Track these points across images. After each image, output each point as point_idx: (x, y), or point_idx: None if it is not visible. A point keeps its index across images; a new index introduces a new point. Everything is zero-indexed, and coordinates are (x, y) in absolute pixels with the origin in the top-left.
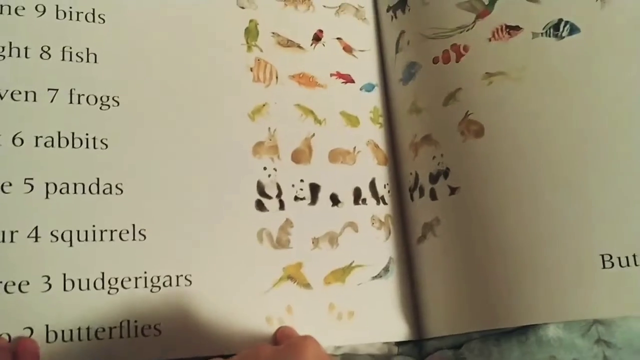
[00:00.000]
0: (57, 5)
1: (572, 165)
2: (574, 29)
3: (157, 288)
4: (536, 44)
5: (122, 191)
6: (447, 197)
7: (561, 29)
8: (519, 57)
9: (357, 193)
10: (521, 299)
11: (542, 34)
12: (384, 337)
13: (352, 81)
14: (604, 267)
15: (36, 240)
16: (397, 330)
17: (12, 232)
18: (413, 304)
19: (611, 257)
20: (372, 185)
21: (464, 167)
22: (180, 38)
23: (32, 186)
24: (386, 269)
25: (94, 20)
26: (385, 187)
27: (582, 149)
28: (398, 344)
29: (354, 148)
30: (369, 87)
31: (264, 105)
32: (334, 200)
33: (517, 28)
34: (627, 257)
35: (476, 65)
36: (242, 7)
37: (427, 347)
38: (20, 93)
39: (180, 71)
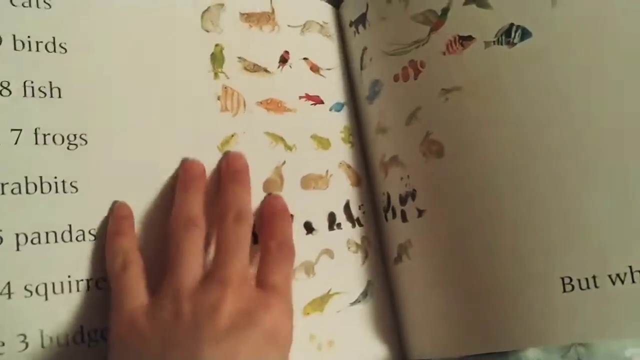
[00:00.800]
0: (14, 35)
1: (530, 182)
2: (525, 34)
3: None
4: (489, 55)
5: (95, 237)
6: (416, 219)
7: (513, 35)
8: (472, 70)
9: (331, 218)
10: (490, 325)
11: (494, 42)
12: None
13: (321, 102)
14: (564, 291)
15: (9, 297)
16: (379, 354)
17: None
18: (395, 326)
19: (571, 280)
20: (347, 208)
21: (429, 189)
22: (147, 68)
23: (2, 238)
24: (364, 294)
25: (54, 50)
26: (360, 208)
27: (539, 164)
28: None
29: (327, 171)
30: (338, 107)
31: (232, 135)
32: (308, 228)
33: (469, 38)
34: (587, 279)
35: (433, 81)
36: (207, 31)
37: None
38: None
39: (148, 103)
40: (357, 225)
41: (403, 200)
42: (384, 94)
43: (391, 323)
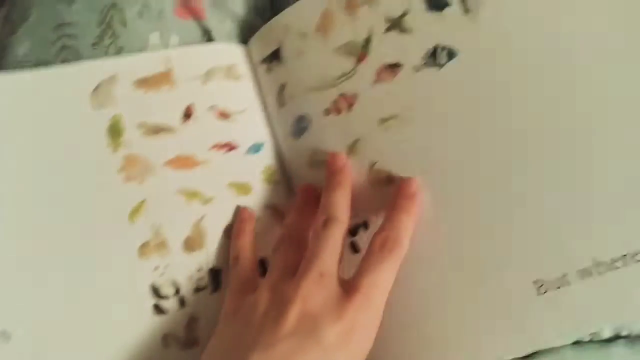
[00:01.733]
0: None
1: (482, 197)
2: (452, 53)
3: None
4: (419, 78)
5: None
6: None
7: (439, 56)
8: (406, 95)
9: (263, 264)
10: (470, 341)
11: (422, 65)
12: None
13: (235, 147)
14: (538, 294)
15: None
16: None
17: None
18: None
19: (544, 283)
20: None
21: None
22: (41, 162)
23: None
24: None
25: None
26: None
27: (488, 177)
28: None
29: None
30: (255, 148)
31: (142, 202)
32: None
33: (397, 65)
34: (557, 279)
35: (368, 112)
36: (101, 107)
37: None
38: None
39: (47, 198)
40: None
41: (352, 232)
42: (315, 129)
43: None
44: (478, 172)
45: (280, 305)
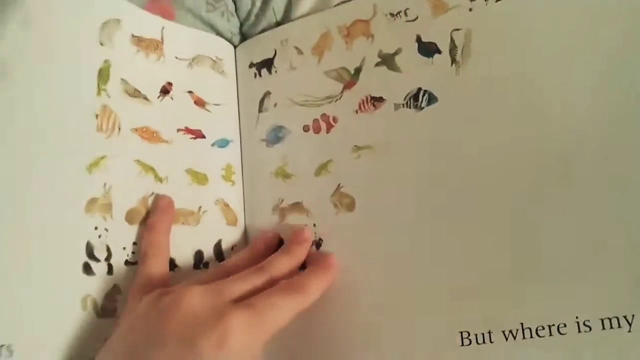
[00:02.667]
0: None
1: (430, 241)
2: (432, 99)
3: None
4: (398, 116)
5: None
6: None
7: (420, 99)
8: (383, 130)
9: (198, 256)
10: None
11: (403, 105)
12: None
13: (203, 136)
14: (462, 345)
15: None
16: None
17: None
18: None
19: (469, 334)
20: (218, 247)
21: (337, 239)
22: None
23: None
24: None
25: None
26: (233, 249)
27: (444, 226)
28: None
29: (199, 208)
30: (222, 143)
31: (102, 158)
32: (170, 264)
33: (380, 99)
34: (482, 334)
35: (345, 137)
36: (102, 44)
37: None
38: None
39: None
40: None
41: None
42: (290, 142)
43: None
44: (437, 217)
45: (165, 306)
